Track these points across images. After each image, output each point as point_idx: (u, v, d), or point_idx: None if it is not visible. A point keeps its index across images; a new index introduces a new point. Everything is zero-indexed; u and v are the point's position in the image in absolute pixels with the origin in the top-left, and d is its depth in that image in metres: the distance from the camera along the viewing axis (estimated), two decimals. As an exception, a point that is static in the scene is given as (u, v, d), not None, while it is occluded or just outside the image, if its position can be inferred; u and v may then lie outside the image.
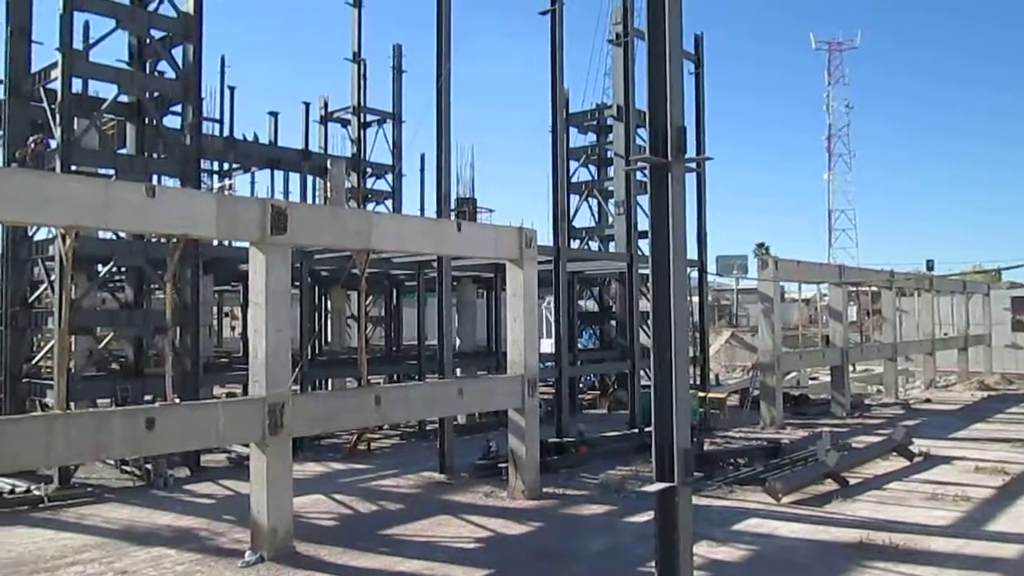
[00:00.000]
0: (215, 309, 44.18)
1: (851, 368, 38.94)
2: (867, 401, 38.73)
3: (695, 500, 11.03)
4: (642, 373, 31.04)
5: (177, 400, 16.09)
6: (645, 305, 31.87)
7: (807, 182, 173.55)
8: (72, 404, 18.10)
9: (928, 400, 39.76)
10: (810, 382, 41.54)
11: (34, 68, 23.87)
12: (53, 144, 22.90)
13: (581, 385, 39.94)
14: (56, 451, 13.25)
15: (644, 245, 32.11)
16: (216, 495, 20.75)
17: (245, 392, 24.73)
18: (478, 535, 16.89)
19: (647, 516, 15.25)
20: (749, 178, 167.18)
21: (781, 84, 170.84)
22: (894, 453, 23.75)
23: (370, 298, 37.33)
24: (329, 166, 34.77)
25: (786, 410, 32.70)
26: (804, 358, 37.26)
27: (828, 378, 37.97)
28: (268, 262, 15.45)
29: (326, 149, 40.11)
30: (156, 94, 25.08)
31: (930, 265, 46.87)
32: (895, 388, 40.94)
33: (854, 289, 41.71)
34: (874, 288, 43.91)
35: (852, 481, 20.64)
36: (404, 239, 19.36)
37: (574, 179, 37.52)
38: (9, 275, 23.66)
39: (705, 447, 24.30)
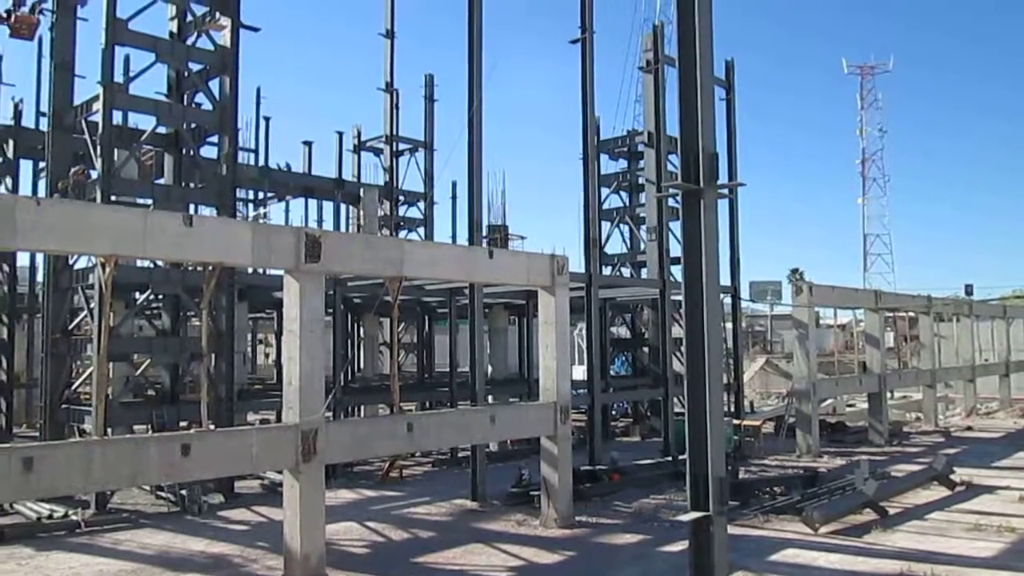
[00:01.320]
0: (249, 336, 44.62)
1: (889, 395, 38.28)
2: (906, 429, 38.02)
3: (730, 529, 10.88)
4: (675, 400, 30.81)
5: (212, 426, 16.24)
6: (678, 331, 31.66)
7: (841, 207, 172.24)
8: (109, 430, 18.35)
9: (969, 428, 38.92)
10: (847, 409, 40.89)
11: (76, 101, 24.49)
12: (94, 175, 23.41)
13: (614, 412, 39.69)
14: (94, 477, 13.41)
15: (676, 271, 32.00)
16: (249, 521, 20.83)
17: (279, 419, 24.96)
18: (510, 564, 16.77)
19: (681, 545, 15.04)
20: (781, 203, 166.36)
21: (813, 110, 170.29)
22: (935, 482, 23.24)
23: (402, 325, 37.55)
24: (362, 194, 35.18)
25: (822, 438, 32.18)
26: (840, 385, 36.71)
27: (865, 405, 37.36)
28: (302, 290, 15.60)
29: (359, 177, 40.56)
30: (193, 125, 25.58)
31: (969, 290, 46.15)
32: (934, 415, 40.15)
33: (891, 315, 41.13)
34: (911, 313, 43.24)
35: (892, 511, 20.21)
36: (436, 266, 19.46)
37: (606, 205, 37.56)
38: (50, 303, 24.13)
39: (740, 475, 23.98)
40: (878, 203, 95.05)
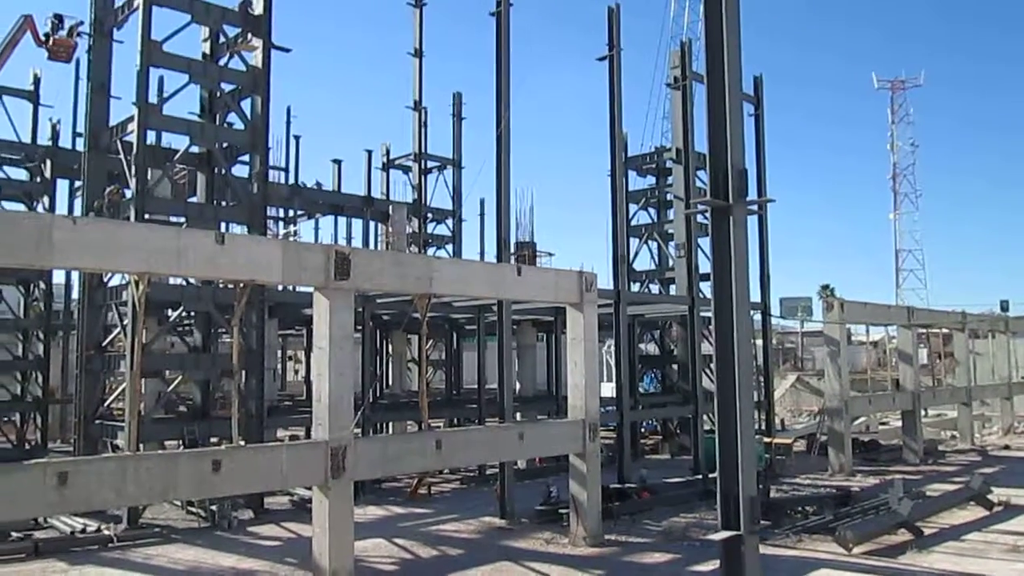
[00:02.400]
0: (279, 353, 44.99)
1: (923, 413, 37.68)
2: (941, 447, 37.36)
3: (762, 549, 10.74)
4: (705, 418, 30.56)
5: (242, 442, 16.37)
6: (707, 348, 31.46)
7: (872, 222, 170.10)
8: (141, 446, 18.54)
9: (1007, 446, 38.19)
10: (880, 427, 40.32)
11: (112, 121, 24.94)
12: (128, 194, 23.78)
13: (643, 430, 39.43)
14: (127, 492, 13.57)
15: (705, 287, 31.85)
16: (279, 537, 20.92)
17: (308, 435, 25.05)
18: (539, 582, 16.68)
19: (712, 565, 14.87)
20: (811, 219, 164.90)
21: (844, 127, 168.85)
22: (971, 502, 22.82)
23: (431, 342, 37.65)
24: (391, 212, 35.44)
25: (855, 456, 31.73)
26: (873, 402, 36.20)
27: (899, 423, 36.80)
28: (332, 307, 15.71)
29: (388, 195, 40.86)
30: (225, 144, 25.92)
31: (1005, 305, 45.31)
32: (970, 434, 39.44)
33: (924, 331, 40.52)
34: (945, 330, 42.60)
35: (927, 531, 19.86)
36: (465, 283, 19.51)
37: (634, 222, 37.49)
38: (85, 320, 24.50)
39: (772, 494, 23.67)
40: (910, 218, 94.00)
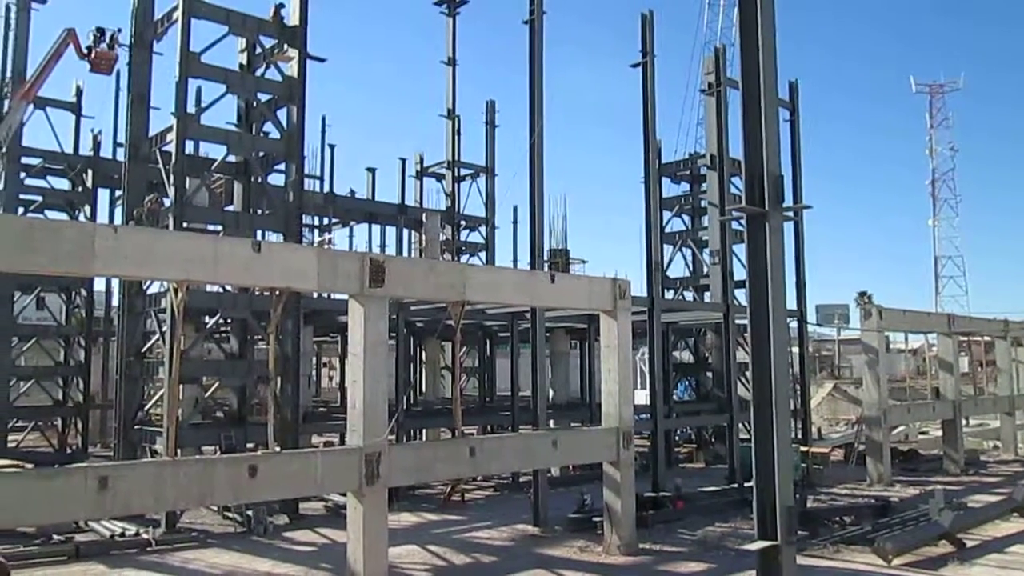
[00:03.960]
0: (314, 360, 45.36)
1: (964, 422, 36.98)
2: (983, 458, 36.65)
3: (799, 560, 10.60)
4: (741, 426, 30.26)
5: (278, 448, 16.49)
6: (742, 356, 31.17)
7: (910, 228, 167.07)
8: (179, 451, 18.78)
9: (1051, 457, 37.36)
10: (919, 437, 39.63)
11: (151, 132, 25.39)
12: (167, 202, 24.17)
13: (677, 438, 39.14)
14: (165, 496, 13.77)
15: (740, 295, 31.56)
16: (314, 543, 21.06)
17: (342, 441, 25.21)
18: (573, 591, 16.61)
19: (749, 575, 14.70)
20: (848, 225, 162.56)
21: (880, 130, 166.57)
22: (1015, 514, 22.34)
23: (464, 349, 37.73)
24: (424, 219, 35.60)
25: (894, 466, 31.23)
26: (913, 411, 35.59)
27: (939, 433, 36.16)
28: (366, 314, 15.81)
29: (421, 203, 41.09)
30: (262, 154, 26.25)
31: (1049, 314, 44.33)
32: (1014, 444, 38.61)
33: (965, 339, 39.80)
34: (987, 338, 41.80)
35: (969, 543, 19.46)
36: (498, 291, 19.53)
37: (668, 229, 37.30)
38: (125, 327, 24.91)
39: (808, 504, 23.37)
40: (949, 224, 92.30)
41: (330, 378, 56.19)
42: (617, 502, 19.85)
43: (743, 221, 10.51)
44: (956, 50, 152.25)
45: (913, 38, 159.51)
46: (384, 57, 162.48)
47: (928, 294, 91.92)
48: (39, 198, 33.61)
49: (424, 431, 33.40)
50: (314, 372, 46.62)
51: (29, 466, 19.70)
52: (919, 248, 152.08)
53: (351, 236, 44.08)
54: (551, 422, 27.36)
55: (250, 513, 22.08)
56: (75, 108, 34.81)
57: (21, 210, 31.77)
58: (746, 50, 10.63)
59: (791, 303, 32.32)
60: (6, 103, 30.39)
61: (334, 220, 39.87)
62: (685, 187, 39.13)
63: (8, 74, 31.33)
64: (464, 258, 39.73)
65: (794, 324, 33.79)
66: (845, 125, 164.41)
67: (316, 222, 39.34)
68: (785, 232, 10.75)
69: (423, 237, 36.55)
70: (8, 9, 32.02)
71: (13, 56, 31.09)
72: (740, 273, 30.69)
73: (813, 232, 41.79)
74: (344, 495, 17.23)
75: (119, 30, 26.64)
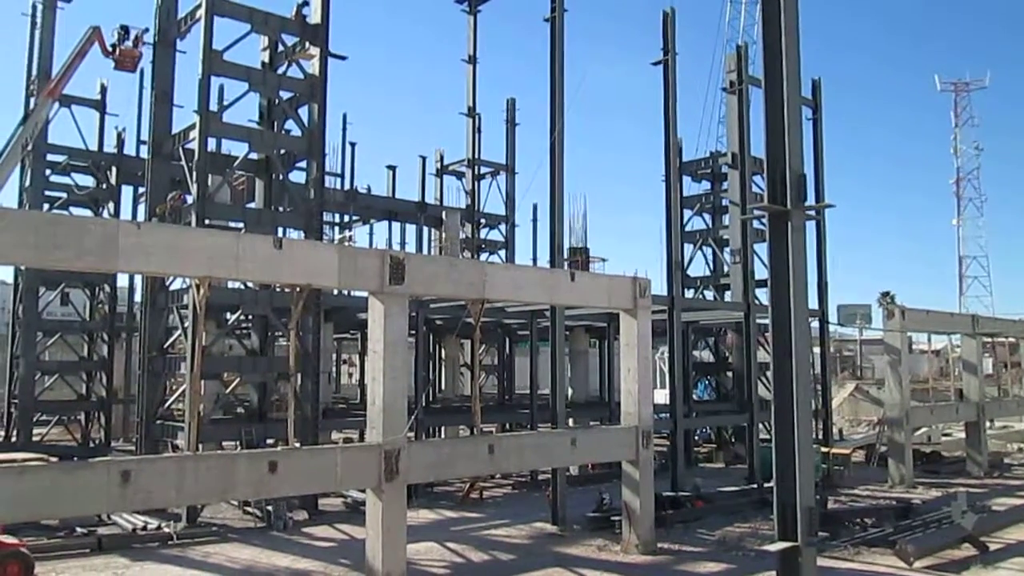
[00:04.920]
0: (334, 356, 45.58)
1: (988, 424, 36.57)
2: (1007, 460, 36.25)
3: (819, 561, 10.53)
4: (761, 426, 30.10)
5: (298, 445, 16.58)
6: (763, 356, 31.01)
7: (933, 228, 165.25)
8: (201, 446, 18.93)
9: (1077, 461, 36.88)
10: (942, 439, 39.22)
11: (174, 129, 25.57)
12: (190, 199, 24.36)
13: (696, 438, 38.99)
14: (187, 490, 13.88)
15: (761, 294, 31.39)
16: (332, 539, 21.16)
17: (361, 438, 25.33)
18: (591, 589, 16.58)
19: (768, 576, 14.62)
20: (870, 224, 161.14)
21: (903, 128, 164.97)
22: (1039, 517, 22.08)
23: (483, 347, 37.76)
24: (444, 217, 35.69)
25: (916, 468, 30.94)
26: (935, 413, 35.26)
27: (962, 435, 35.79)
28: (386, 311, 15.85)
29: (442, 201, 41.15)
30: (283, 151, 26.38)
31: (1074, 315, 43.75)
32: (1038, 447, 38.17)
33: (989, 340, 39.35)
34: (1012, 339, 41.31)
35: (992, 546, 19.25)
36: (518, 289, 19.52)
37: (688, 228, 37.14)
38: (147, 323, 25.12)
39: (829, 505, 23.21)
40: (974, 224, 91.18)
41: (350, 375, 56.36)
42: (636, 501, 19.80)
43: (764, 220, 10.44)
44: (979, 50, 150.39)
45: (935, 38, 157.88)
46: (405, 55, 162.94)
47: (952, 294, 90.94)
48: (64, 195, 34.05)
49: (443, 428, 33.45)
50: (334, 369, 46.80)
51: (54, 460, 19.91)
52: (943, 248, 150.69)
53: (371, 234, 44.29)
54: (570, 421, 27.34)
55: (270, 508, 22.22)
56: (99, 106, 35.15)
57: (47, 206, 32.15)
58: (769, 48, 10.57)
59: (813, 303, 32.10)
60: (32, 101, 30.72)
61: (354, 217, 40.02)
62: (706, 185, 38.99)
63: (34, 72, 31.70)
64: (484, 256, 39.74)
65: (816, 324, 33.55)
66: (864, 125, 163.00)
67: (337, 219, 39.49)
68: (807, 231, 10.66)
69: (443, 235, 36.63)
70: (34, 8, 32.39)
71: (39, 54, 31.45)
72: (761, 272, 30.56)
73: (836, 227, 41.41)
74: (363, 491, 17.30)
75: (145, 30, 26.84)
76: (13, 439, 30.27)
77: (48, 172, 32.64)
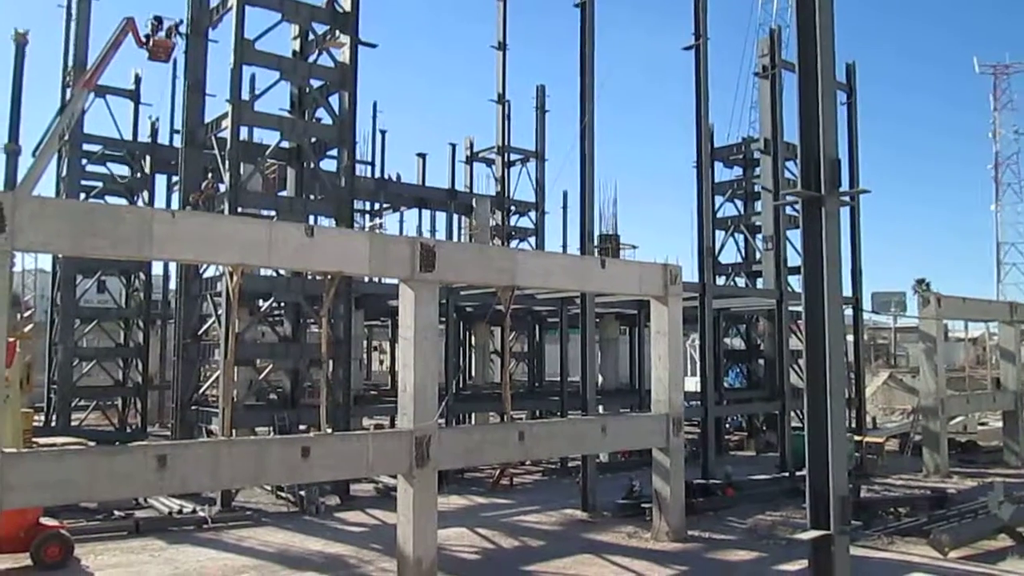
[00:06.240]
0: (365, 343, 45.89)
1: (1026, 414, 35.95)
2: (1045, 450, 35.60)
3: (852, 550, 10.44)
4: (793, 414, 29.87)
5: (330, 430, 16.74)
6: (795, 343, 30.73)
7: (971, 214, 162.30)
8: (234, 431, 19.19)
9: (1118, 451, 36.11)
10: (979, 428, 38.64)
11: (207, 119, 25.79)
12: (222, 188, 24.59)
13: (727, 425, 38.81)
14: (221, 475, 14.10)
15: (794, 281, 31.05)
16: (364, 524, 21.37)
17: (392, 425, 25.51)
18: (621, 576, 16.61)
19: (798, 565, 14.57)
20: (905, 209, 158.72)
21: (939, 111, 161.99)
22: (1079, 508, 21.68)
23: (513, 334, 37.81)
24: (474, 204, 35.70)
25: (952, 457, 30.54)
26: (972, 402, 34.76)
27: (999, 424, 35.25)
28: (417, 298, 15.92)
29: (471, 188, 41.20)
30: (314, 140, 26.52)
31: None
32: (1078, 436, 37.43)
33: (1028, 328, 38.64)
34: (1051, 327, 40.53)
35: (1030, 537, 18.98)
36: (548, 276, 19.50)
37: (719, 214, 36.83)
38: (182, 310, 25.46)
39: (862, 494, 23.01)
40: (1013, 210, 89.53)
41: (380, 362, 56.81)
42: (666, 488, 19.77)
43: (797, 206, 10.32)
44: (1018, 37, 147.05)
45: (972, 27, 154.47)
46: (435, 42, 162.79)
47: (989, 281, 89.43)
48: (100, 184, 34.54)
49: (473, 415, 33.63)
50: (365, 356, 47.10)
51: (92, 444, 20.30)
52: (980, 235, 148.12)
53: (401, 221, 44.50)
54: (600, 408, 27.31)
55: (303, 493, 22.49)
56: (134, 96, 35.54)
57: (83, 195, 32.64)
58: (803, 32, 10.42)
59: (846, 290, 31.72)
60: (69, 92, 31.14)
61: (385, 205, 40.20)
62: (738, 172, 38.60)
63: (70, 63, 32.13)
64: (514, 243, 39.76)
65: (849, 311, 33.17)
66: (895, 116, 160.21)
67: (367, 207, 39.70)
68: (841, 217, 10.53)
69: (473, 222, 36.65)
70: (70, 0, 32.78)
71: (75, 46, 31.83)
72: (793, 259, 30.22)
73: (870, 213, 40.90)
74: (394, 477, 17.44)
75: (180, 21, 27.06)
76: (53, 423, 30.88)
77: (84, 161, 33.10)
